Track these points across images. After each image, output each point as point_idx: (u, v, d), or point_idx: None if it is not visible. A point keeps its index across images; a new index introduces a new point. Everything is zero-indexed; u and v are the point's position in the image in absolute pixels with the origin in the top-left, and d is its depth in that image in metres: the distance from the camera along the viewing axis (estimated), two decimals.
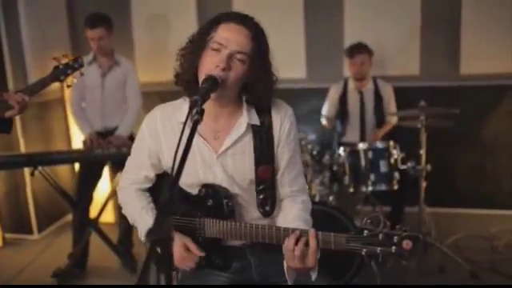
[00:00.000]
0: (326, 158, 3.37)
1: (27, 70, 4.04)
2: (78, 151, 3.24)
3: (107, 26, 3.45)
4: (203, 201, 1.65)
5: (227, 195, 1.65)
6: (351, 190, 3.34)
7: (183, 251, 1.64)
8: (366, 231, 1.44)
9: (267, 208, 1.68)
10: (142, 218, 1.73)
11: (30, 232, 4.14)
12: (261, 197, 1.67)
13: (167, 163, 1.70)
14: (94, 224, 3.27)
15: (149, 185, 1.80)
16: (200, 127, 1.61)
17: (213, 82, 1.48)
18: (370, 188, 3.31)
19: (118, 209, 3.62)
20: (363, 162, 3.32)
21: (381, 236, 1.41)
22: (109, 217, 4.26)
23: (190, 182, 1.67)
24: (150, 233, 1.63)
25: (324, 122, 4.08)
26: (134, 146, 1.77)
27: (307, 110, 4.42)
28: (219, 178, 1.65)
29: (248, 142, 1.65)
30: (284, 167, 1.69)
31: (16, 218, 4.15)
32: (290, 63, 4.50)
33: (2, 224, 4.07)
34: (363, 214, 3.49)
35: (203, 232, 1.66)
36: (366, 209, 3.76)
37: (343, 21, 4.42)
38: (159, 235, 1.13)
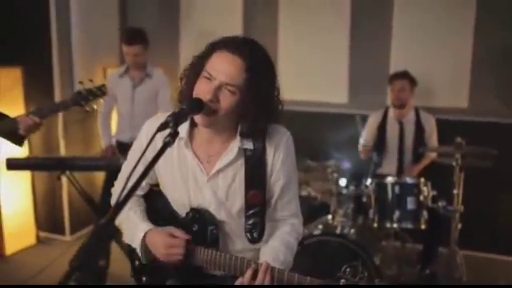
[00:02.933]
0: (352, 189, 3.24)
1: (74, 77, 4.21)
2: (105, 159, 3.31)
3: (144, 43, 3.53)
4: (189, 225, 1.63)
5: (213, 222, 1.61)
6: (375, 224, 3.20)
7: (169, 238, 1.59)
8: (342, 280, 1.34)
9: (255, 234, 1.62)
10: (128, 218, 1.70)
11: (63, 233, 4.28)
12: (249, 222, 1.62)
13: (160, 176, 1.70)
14: (116, 233, 3.30)
15: (141, 192, 1.78)
16: (196, 147, 1.61)
17: (194, 105, 1.45)
18: (395, 225, 3.16)
19: None
20: (390, 197, 3.17)
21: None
22: None
23: (181, 202, 1.65)
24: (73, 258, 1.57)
25: (360, 149, 3.95)
26: (132, 151, 1.76)
27: (346, 137, 4.32)
28: (207, 201, 1.62)
29: (240, 167, 1.61)
30: (278, 193, 1.65)
31: (51, 218, 4.32)
32: (332, 87, 4.44)
33: (37, 222, 4.23)
34: (389, 249, 3.33)
35: (185, 257, 1.62)
36: (394, 244, 3.58)
37: (390, 49, 4.31)
38: (84, 262, 1.08)
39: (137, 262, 1.77)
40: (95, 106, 2.51)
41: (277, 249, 1.62)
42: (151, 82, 3.67)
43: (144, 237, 1.63)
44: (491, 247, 4.09)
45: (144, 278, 1.76)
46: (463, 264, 3.34)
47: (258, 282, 1.45)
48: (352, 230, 3.06)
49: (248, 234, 1.62)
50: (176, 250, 1.58)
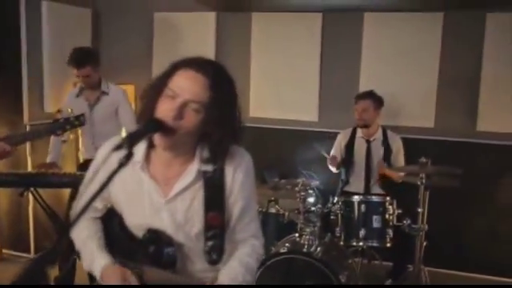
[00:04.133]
0: (319, 207, 3.26)
1: (44, 93, 4.17)
2: (69, 175, 3.24)
3: (92, 63, 3.45)
4: (145, 246, 1.61)
5: (170, 244, 1.59)
6: (342, 242, 3.22)
7: (121, 281, 1.56)
8: None
9: (214, 256, 1.61)
10: (86, 246, 1.68)
11: (27, 250, 4.18)
12: (209, 244, 1.61)
13: (116, 200, 1.68)
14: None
15: (98, 215, 1.76)
16: (153, 170, 1.60)
17: (150, 126, 1.44)
18: (361, 243, 3.19)
19: None
20: (356, 215, 3.20)
21: None
22: None
23: (136, 222, 1.63)
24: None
25: (328, 161, 3.96)
26: (89, 172, 1.73)
27: (315, 155, 4.37)
28: (165, 224, 1.60)
29: (198, 189, 1.60)
30: (237, 215, 1.64)
31: (15, 235, 4.21)
32: (303, 106, 4.48)
33: (1, 239, 4.13)
34: (356, 267, 3.34)
35: (142, 279, 1.60)
36: (361, 262, 3.61)
37: (359, 69, 4.40)
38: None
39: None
40: (72, 136, 2.46)
41: (236, 270, 1.61)
42: (108, 98, 3.60)
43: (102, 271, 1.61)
44: (456, 264, 4.16)
45: None
46: (428, 281, 3.39)
47: None
48: (319, 248, 3.06)
49: (207, 256, 1.61)
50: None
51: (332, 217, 3.37)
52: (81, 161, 3.70)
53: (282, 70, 4.51)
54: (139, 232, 1.64)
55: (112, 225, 1.76)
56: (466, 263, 4.16)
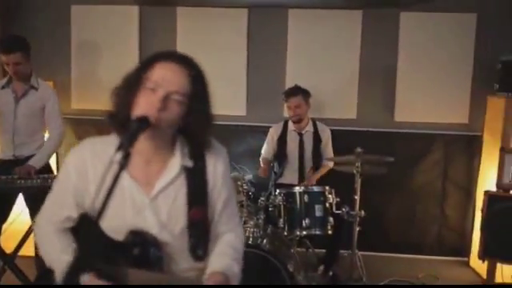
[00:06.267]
0: (262, 200, 3.33)
1: None
2: None
3: (24, 50, 3.26)
4: (129, 249, 1.55)
5: (155, 244, 1.56)
6: (285, 233, 3.31)
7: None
8: None
9: (199, 252, 1.60)
10: (60, 260, 1.58)
11: None
12: (193, 240, 1.59)
13: (91, 204, 1.60)
14: (11, 260, 3.02)
15: (70, 225, 1.67)
16: (132, 170, 1.55)
17: (142, 123, 1.41)
18: (305, 232, 3.30)
19: (36, 244, 3.42)
20: (298, 206, 3.31)
21: None
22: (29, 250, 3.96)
23: (115, 225, 1.56)
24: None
25: (261, 163, 4.07)
26: (57, 182, 1.65)
27: (245, 149, 4.45)
28: (149, 223, 1.56)
29: (180, 185, 1.58)
30: (220, 209, 1.65)
31: None
32: (231, 101, 4.52)
33: None
34: (297, 256, 3.45)
35: (126, 282, 1.54)
36: (299, 251, 3.74)
37: (285, 64, 4.52)
38: None
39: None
40: None
41: (226, 251, 1.63)
42: (37, 94, 3.38)
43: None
44: (383, 247, 4.48)
45: None
46: (363, 265, 3.61)
47: None
48: (265, 240, 3.13)
49: (192, 253, 1.60)
50: None
51: (270, 208, 3.44)
52: None
53: (209, 66, 4.40)
54: (119, 235, 1.58)
55: (86, 232, 1.67)
56: (390, 245, 4.49)
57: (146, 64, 1.51)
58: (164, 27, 4.54)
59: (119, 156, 1.28)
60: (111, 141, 1.59)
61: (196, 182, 1.59)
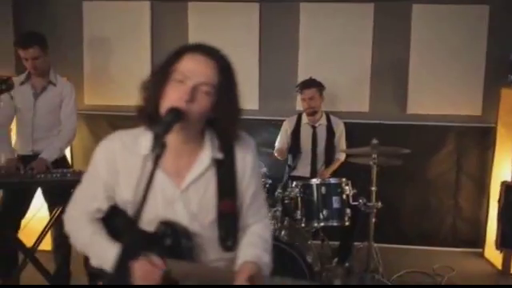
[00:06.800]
0: (279, 191, 3.34)
1: None
2: (17, 175, 3.01)
3: (42, 45, 3.27)
4: (160, 240, 1.57)
5: (186, 234, 1.57)
6: (303, 224, 3.33)
7: (147, 265, 1.50)
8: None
9: (229, 243, 1.61)
10: (94, 242, 1.61)
11: None
12: (223, 232, 1.61)
13: (122, 197, 1.61)
14: (31, 254, 3.05)
15: (100, 216, 1.69)
16: (163, 163, 1.55)
17: (176, 114, 1.42)
18: (322, 224, 3.31)
19: (54, 239, 3.46)
20: (316, 197, 3.32)
21: None
22: (46, 244, 4.00)
23: (146, 217, 1.58)
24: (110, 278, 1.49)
25: (276, 153, 4.07)
26: (88, 175, 1.66)
27: (258, 143, 4.40)
28: (180, 215, 1.57)
29: (211, 177, 1.59)
30: (249, 200, 1.65)
31: None
32: (244, 95, 4.50)
33: None
34: (316, 248, 3.47)
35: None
36: (314, 243, 3.75)
37: (297, 58, 4.53)
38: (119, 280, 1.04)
39: (100, 283, 1.67)
40: (1, 103, 2.43)
41: (256, 241, 1.63)
42: (55, 89, 3.38)
43: None
44: (398, 238, 4.49)
45: None
46: (379, 257, 3.62)
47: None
48: (283, 232, 3.15)
49: (222, 243, 1.61)
50: (153, 276, 1.49)
51: (286, 201, 3.45)
52: (15, 156, 3.40)
53: None
54: (149, 226, 1.59)
55: (114, 223, 1.69)
56: (405, 236, 4.50)
57: (174, 56, 1.52)
58: (176, 22, 4.55)
59: (154, 147, 1.29)
60: (138, 134, 1.61)
61: (226, 174, 1.60)
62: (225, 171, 1.60)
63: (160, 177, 1.55)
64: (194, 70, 1.47)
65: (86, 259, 1.67)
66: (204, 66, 1.49)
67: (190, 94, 1.44)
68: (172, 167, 1.57)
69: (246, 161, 1.64)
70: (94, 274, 1.67)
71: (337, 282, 3.45)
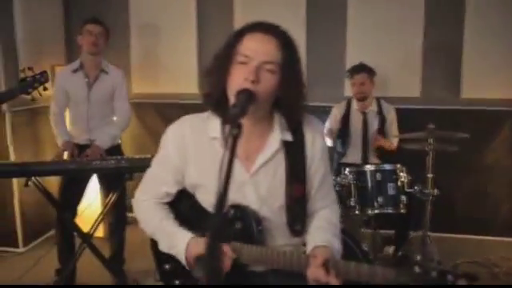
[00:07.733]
0: (332, 179, 3.27)
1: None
2: (75, 162, 3.05)
3: (106, 30, 3.40)
4: (231, 223, 1.55)
5: (256, 218, 1.55)
6: (357, 212, 3.25)
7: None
8: (416, 267, 1.32)
9: (298, 227, 1.59)
10: (163, 228, 1.62)
11: (16, 245, 3.94)
12: (291, 216, 1.57)
13: (192, 180, 1.60)
14: (89, 239, 3.09)
15: (169, 199, 1.69)
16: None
17: (248, 95, 1.38)
18: (377, 211, 3.23)
19: (109, 224, 3.52)
20: (370, 184, 3.24)
21: (434, 274, 1.28)
22: (98, 231, 4.07)
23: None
24: (201, 262, 1.48)
25: (327, 134, 3.98)
26: (157, 159, 1.67)
27: None
28: (249, 199, 1.55)
29: (280, 160, 1.56)
30: (318, 184, 1.62)
31: (2, 230, 3.95)
32: None
33: None
34: (367, 236, 3.40)
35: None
36: (366, 231, 3.68)
37: (345, 44, 4.42)
38: (211, 264, 1.03)
39: (167, 266, 1.67)
40: (40, 95, 2.57)
41: (324, 226, 1.61)
42: (108, 78, 3.41)
43: (187, 245, 1.54)
44: (452, 227, 4.33)
45: (177, 282, 1.66)
46: (435, 245, 3.51)
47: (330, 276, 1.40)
48: None
49: (290, 228, 1.58)
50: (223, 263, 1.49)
51: (338, 188, 3.38)
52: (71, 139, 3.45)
53: None
54: None
55: (182, 207, 1.69)
56: (459, 225, 4.35)
57: (234, 38, 1.49)
58: (222, 10, 4.50)
59: (232, 129, 1.25)
60: (206, 118, 1.59)
61: (295, 157, 1.57)
62: (294, 154, 1.57)
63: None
64: (255, 50, 1.43)
65: (154, 243, 1.68)
66: (265, 44, 1.45)
67: (254, 75, 1.40)
68: (242, 151, 1.54)
69: (316, 143, 1.60)
70: (162, 258, 1.67)
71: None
